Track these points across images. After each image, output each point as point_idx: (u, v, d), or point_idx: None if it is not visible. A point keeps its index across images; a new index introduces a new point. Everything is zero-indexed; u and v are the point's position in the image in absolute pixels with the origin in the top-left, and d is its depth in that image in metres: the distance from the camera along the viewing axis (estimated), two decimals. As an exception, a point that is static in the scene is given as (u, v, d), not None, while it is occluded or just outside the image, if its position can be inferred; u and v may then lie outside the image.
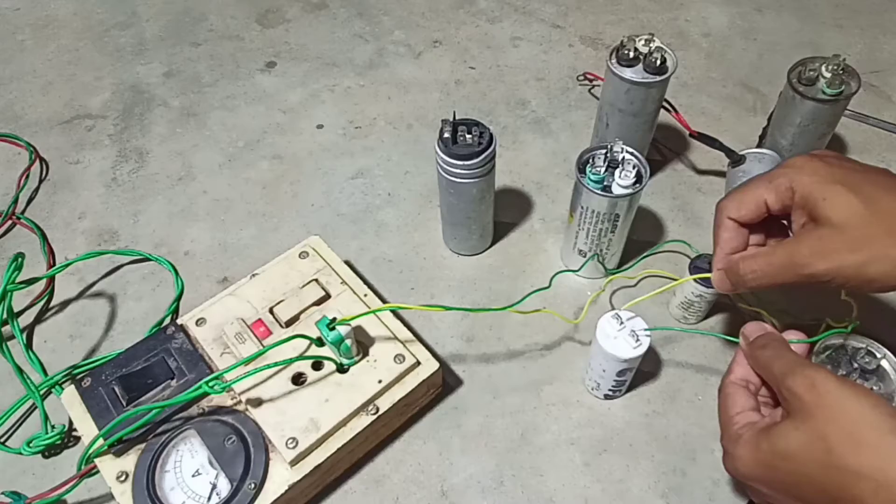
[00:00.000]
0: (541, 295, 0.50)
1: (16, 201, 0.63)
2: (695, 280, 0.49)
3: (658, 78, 0.53)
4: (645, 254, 0.58)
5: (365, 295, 0.50)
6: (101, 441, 0.41)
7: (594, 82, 0.74)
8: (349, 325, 0.43)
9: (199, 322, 0.48)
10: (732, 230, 0.41)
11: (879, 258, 0.34)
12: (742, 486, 0.44)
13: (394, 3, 0.85)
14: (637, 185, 0.49)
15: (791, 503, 0.34)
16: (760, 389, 0.39)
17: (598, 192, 0.48)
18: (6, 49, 0.80)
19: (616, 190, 0.49)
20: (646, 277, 0.57)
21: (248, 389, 0.44)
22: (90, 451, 0.41)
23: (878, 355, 0.42)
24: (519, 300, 0.47)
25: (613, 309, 0.49)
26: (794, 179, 0.38)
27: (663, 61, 0.53)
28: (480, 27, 0.82)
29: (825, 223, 0.36)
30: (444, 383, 0.51)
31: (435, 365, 0.47)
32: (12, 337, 0.51)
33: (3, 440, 0.49)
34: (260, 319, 0.48)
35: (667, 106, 0.59)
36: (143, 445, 0.43)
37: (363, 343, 0.47)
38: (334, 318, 0.43)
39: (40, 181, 0.66)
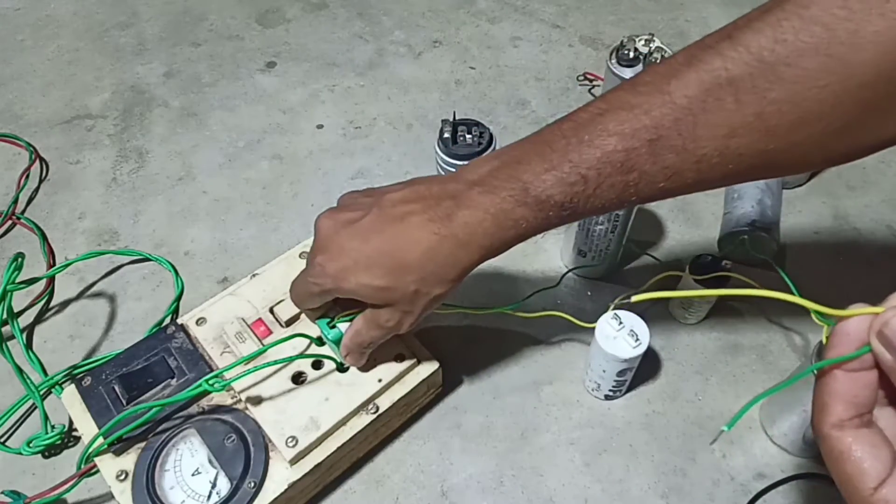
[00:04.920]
0: (543, 295, 0.50)
1: (16, 201, 0.63)
2: (695, 280, 0.49)
3: (658, 78, 0.53)
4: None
5: (365, 294, 0.50)
6: (100, 440, 0.41)
7: (594, 82, 0.74)
8: (349, 322, 0.43)
9: (200, 322, 0.48)
10: None
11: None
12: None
13: (394, 3, 0.86)
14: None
15: None
16: (874, 408, 0.27)
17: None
18: (6, 49, 0.80)
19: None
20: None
21: (248, 388, 0.44)
22: (90, 450, 0.41)
23: None
24: (522, 299, 0.47)
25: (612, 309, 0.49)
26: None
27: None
28: (480, 27, 0.82)
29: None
30: (444, 383, 0.51)
31: (435, 364, 0.47)
32: (12, 337, 0.51)
33: (3, 440, 0.49)
34: (260, 319, 0.48)
35: (667, 106, 0.59)
36: (142, 444, 0.43)
37: (363, 342, 0.47)
38: (334, 316, 0.43)
39: (40, 181, 0.66)
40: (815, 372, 0.27)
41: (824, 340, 0.40)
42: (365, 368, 0.45)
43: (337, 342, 0.43)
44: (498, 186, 0.35)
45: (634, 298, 0.28)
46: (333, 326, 0.43)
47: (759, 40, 0.29)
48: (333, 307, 0.44)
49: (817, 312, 0.38)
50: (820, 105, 0.28)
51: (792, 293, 0.27)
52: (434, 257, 0.36)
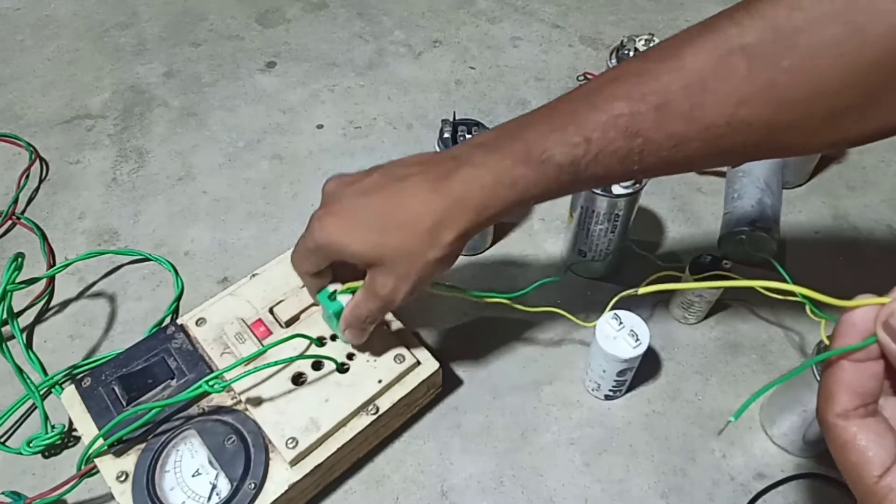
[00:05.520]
0: (543, 295, 0.50)
1: (16, 201, 0.63)
2: (695, 280, 0.49)
3: (658, 78, 0.53)
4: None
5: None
6: (100, 441, 0.41)
7: (594, 82, 0.74)
8: (351, 294, 0.42)
9: (199, 322, 0.48)
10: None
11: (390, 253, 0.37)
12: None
13: (394, 3, 0.85)
14: (637, 185, 0.49)
15: None
16: (879, 397, 0.26)
17: (598, 192, 0.48)
18: (6, 49, 0.80)
19: (616, 190, 0.49)
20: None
21: (248, 389, 0.44)
22: (90, 451, 0.41)
23: None
24: (525, 290, 0.46)
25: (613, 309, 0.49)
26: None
27: (663, 61, 0.53)
28: (480, 27, 0.82)
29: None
30: (444, 383, 0.51)
31: (435, 365, 0.47)
32: (12, 337, 0.51)
33: (3, 440, 0.49)
34: (260, 319, 0.48)
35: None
36: (143, 445, 0.43)
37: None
38: (335, 290, 0.43)
39: (40, 181, 0.66)
40: (816, 366, 0.27)
41: (823, 335, 0.40)
42: (364, 349, 0.45)
43: (337, 315, 0.42)
44: (500, 146, 0.35)
45: (641, 290, 0.28)
46: (334, 300, 0.42)
47: (776, 8, 0.28)
48: (335, 282, 0.43)
49: (812, 307, 0.39)
50: (831, 79, 0.28)
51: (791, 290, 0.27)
52: (430, 214, 0.36)
